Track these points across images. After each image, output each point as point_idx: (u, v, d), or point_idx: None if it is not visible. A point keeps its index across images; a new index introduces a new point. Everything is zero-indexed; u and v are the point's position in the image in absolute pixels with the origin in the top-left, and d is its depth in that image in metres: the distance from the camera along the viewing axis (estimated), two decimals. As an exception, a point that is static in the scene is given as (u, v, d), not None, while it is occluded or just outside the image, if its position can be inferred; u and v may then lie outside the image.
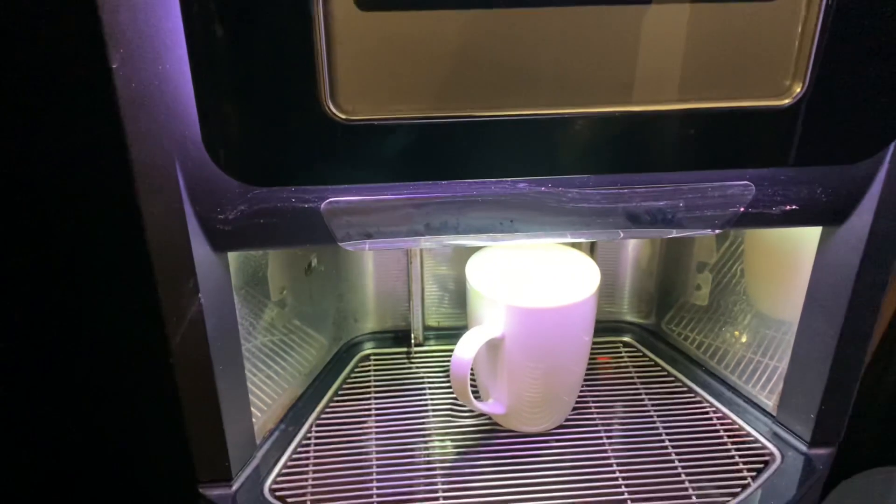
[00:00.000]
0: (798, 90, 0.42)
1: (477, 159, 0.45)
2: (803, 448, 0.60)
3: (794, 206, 0.50)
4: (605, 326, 0.75)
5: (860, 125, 0.44)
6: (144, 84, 0.42)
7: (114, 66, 0.41)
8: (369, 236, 0.49)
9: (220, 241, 0.48)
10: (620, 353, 0.73)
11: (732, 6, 0.42)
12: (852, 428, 0.99)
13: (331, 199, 0.47)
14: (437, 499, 0.56)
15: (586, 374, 0.66)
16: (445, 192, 0.47)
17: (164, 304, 0.49)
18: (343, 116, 0.41)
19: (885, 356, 1.03)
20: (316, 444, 0.61)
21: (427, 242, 0.51)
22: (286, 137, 0.42)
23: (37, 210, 0.61)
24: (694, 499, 0.56)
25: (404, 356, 0.72)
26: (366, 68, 0.41)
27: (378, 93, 0.41)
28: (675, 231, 0.51)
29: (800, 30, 0.41)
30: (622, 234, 0.51)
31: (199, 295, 0.49)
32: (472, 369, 0.56)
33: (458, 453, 0.61)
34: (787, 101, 0.43)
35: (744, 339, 0.67)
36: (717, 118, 0.44)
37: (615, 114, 0.44)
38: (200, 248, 0.48)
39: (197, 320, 0.50)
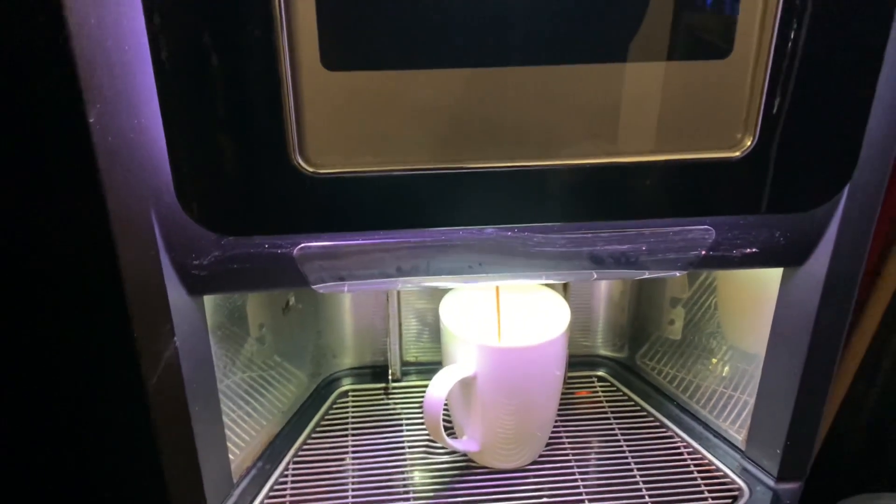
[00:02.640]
0: (749, 142, 0.44)
1: (444, 210, 0.46)
2: (771, 483, 0.61)
3: (753, 249, 0.51)
4: (580, 360, 0.76)
5: (811, 174, 0.46)
6: (120, 137, 0.43)
7: (91, 121, 0.43)
8: (342, 279, 0.50)
9: (196, 286, 0.50)
10: (595, 387, 0.74)
11: (687, 64, 0.43)
12: (831, 457, 1.00)
13: (303, 245, 0.48)
14: (411, 536, 0.57)
15: (560, 409, 0.67)
16: (415, 237, 0.49)
17: (141, 348, 0.50)
18: (311, 170, 0.43)
19: (862, 387, 1.04)
20: (293, 482, 0.62)
21: (399, 285, 0.52)
22: (256, 190, 0.44)
23: (17, 257, 0.62)
24: (663, 534, 0.57)
25: (382, 392, 0.73)
26: (333, 123, 0.42)
27: (345, 147, 0.43)
28: (640, 273, 0.53)
29: (749, 85, 0.43)
30: (595, 276, 0.53)
31: (175, 338, 0.50)
32: (446, 406, 0.57)
33: (434, 490, 0.62)
34: (739, 153, 0.45)
35: (716, 374, 0.68)
36: (675, 170, 0.46)
37: (578, 166, 0.46)
38: (176, 293, 0.49)
39: (173, 363, 0.51)
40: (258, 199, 0.44)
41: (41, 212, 0.58)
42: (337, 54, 0.40)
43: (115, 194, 0.45)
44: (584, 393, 0.73)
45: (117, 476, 0.74)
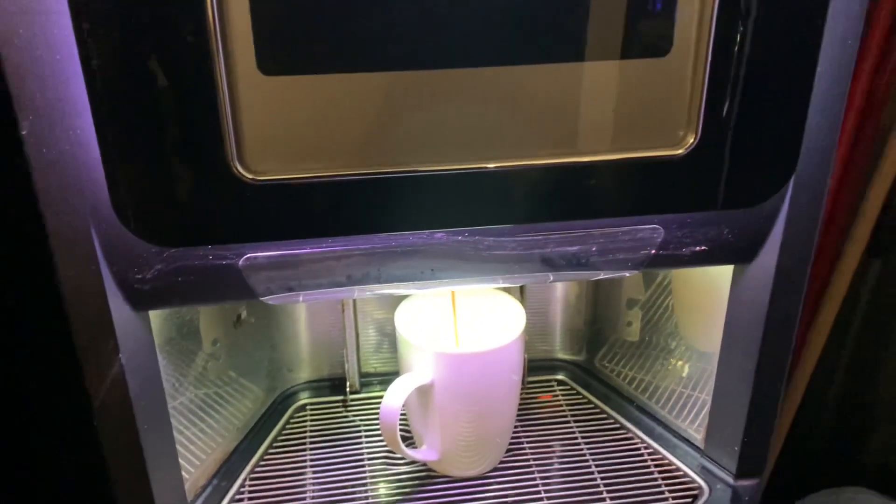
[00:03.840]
0: (692, 140, 0.45)
1: (389, 214, 0.46)
2: (730, 480, 0.62)
3: (703, 247, 0.52)
4: (539, 365, 0.76)
5: (755, 170, 0.47)
6: (55, 150, 0.42)
7: (23, 133, 0.42)
8: (291, 290, 0.50)
9: (140, 301, 0.48)
10: (554, 390, 0.74)
11: (629, 63, 0.44)
12: (795, 454, 1.01)
13: (248, 256, 0.47)
14: (371, 549, 0.56)
15: (520, 414, 0.67)
16: (364, 244, 0.48)
17: (85, 366, 0.49)
18: (251, 177, 0.42)
19: (822, 385, 1.06)
20: (250, 499, 0.61)
21: (352, 293, 0.51)
22: (195, 200, 0.43)
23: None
24: (624, 536, 0.57)
25: (340, 405, 0.72)
26: (272, 129, 0.42)
27: (286, 153, 0.42)
28: (593, 273, 0.53)
29: (690, 83, 0.44)
30: (551, 278, 0.52)
31: (120, 355, 0.49)
32: (405, 416, 0.56)
33: (394, 501, 0.61)
34: (681, 151, 0.45)
35: (675, 374, 0.69)
36: (621, 168, 0.46)
37: (523, 167, 0.46)
38: (119, 309, 0.48)
39: (118, 380, 0.49)
40: (198, 209, 0.43)
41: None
42: (273, 58, 0.40)
43: (53, 209, 0.44)
44: (546, 397, 0.73)
45: (67, 497, 0.72)
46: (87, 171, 0.43)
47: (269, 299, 0.49)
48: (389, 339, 0.74)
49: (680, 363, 0.68)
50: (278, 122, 0.41)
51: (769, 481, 0.98)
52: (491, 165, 0.45)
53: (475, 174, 0.45)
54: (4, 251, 0.58)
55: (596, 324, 0.76)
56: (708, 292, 0.62)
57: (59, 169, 0.43)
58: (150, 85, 0.40)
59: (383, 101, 0.42)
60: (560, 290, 0.74)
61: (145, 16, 0.38)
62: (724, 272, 0.57)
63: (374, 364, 0.75)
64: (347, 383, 0.72)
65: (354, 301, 0.69)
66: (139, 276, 0.47)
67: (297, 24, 0.39)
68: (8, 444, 0.69)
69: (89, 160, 0.42)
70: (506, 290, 0.66)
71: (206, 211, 0.43)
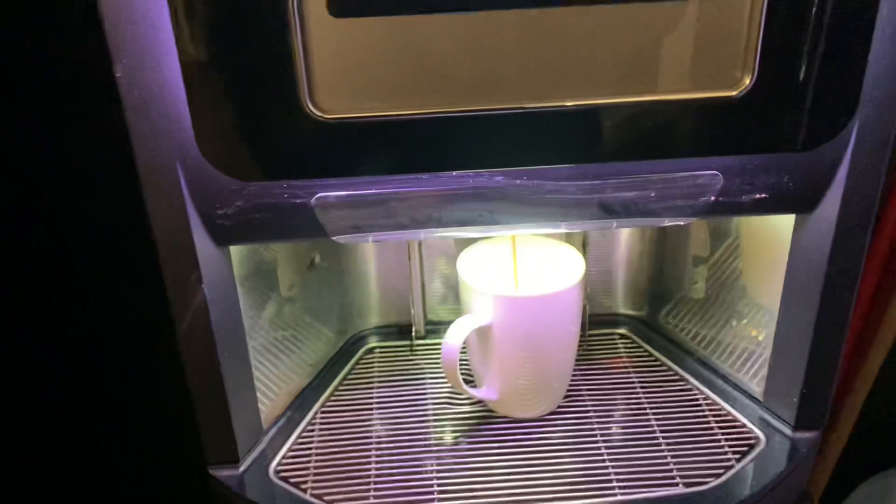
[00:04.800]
0: (748, 81, 0.45)
1: (452, 153, 0.48)
2: (788, 432, 0.62)
3: (763, 195, 0.52)
4: (601, 319, 0.77)
5: (813, 112, 0.47)
6: (146, 91, 0.46)
7: (118, 76, 0.45)
8: (358, 229, 0.52)
9: (221, 236, 0.52)
10: (616, 344, 0.75)
11: (683, 2, 0.44)
12: (871, 427, 0.98)
13: (320, 195, 0.50)
14: (430, 481, 0.59)
15: (581, 364, 0.69)
16: (427, 186, 0.51)
17: (170, 296, 0.53)
18: (321, 115, 0.45)
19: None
20: (320, 430, 0.65)
21: (418, 235, 0.54)
22: (270, 137, 0.46)
23: (47, 210, 0.65)
24: (678, 479, 0.59)
25: (407, 349, 0.75)
26: (342, 70, 0.44)
27: (355, 92, 0.45)
28: (653, 220, 0.53)
29: (746, 21, 0.44)
30: (615, 224, 0.54)
31: (203, 286, 0.53)
32: (466, 359, 0.59)
33: (454, 438, 0.64)
34: (737, 92, 0.45)
35: (739, 330, 0.69)
36: (675, 110, 0.47)
37: (581, 107, 0.47)
38: (202, 243, 0.52)
39: (201, 310, 0.53)
40: (273, 146, 0.46)
41: (71, 167, 0.61)
42: (342, 1, 0.42)
43: (142, 148, 0.48)
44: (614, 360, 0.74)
45: (153, 421, 0.77)
46: (173, 111, 0.46)
47: (337, 238, 0.52)
48: (454, 291, 0.76)
49: (745, 320, 0.68)
50: (347, 63, 0.44)
51: (842, 454, 0.97)
52: (552, 105, 0.46)
53: (537, 114, 0.46)
54: (98, 187, 0.62)
55: (660, 280, 0.76)
56: (772, 245, 0.62)
57: (149, 110, 0.46)
58: (228, 30, 0.43)
59: (449, 42, 0.44)
60: (623, 246, 0.75)
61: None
62: (788, 224, 0.57)
63: (439, 313, 0.77)
64: (413, 329, 0.75)
65: (420, 251, 0.72)
66: (221, 212, 0.50)
67: (365, -33, 0.42)
68: (94, 370, 0.74)
69: (176, 101, 0.46)
70: (568, 242, 0.67)
71: (280, 147, 0.47)
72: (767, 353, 0.64)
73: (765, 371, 0.65)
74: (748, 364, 0.67)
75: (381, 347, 0.75)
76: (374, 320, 0.77)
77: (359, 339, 0.76)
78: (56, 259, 0.68)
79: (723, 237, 0.69)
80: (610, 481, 0.58)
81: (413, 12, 0.43)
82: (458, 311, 0.77)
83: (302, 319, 0.70)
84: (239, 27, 0.43)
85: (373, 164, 0.48)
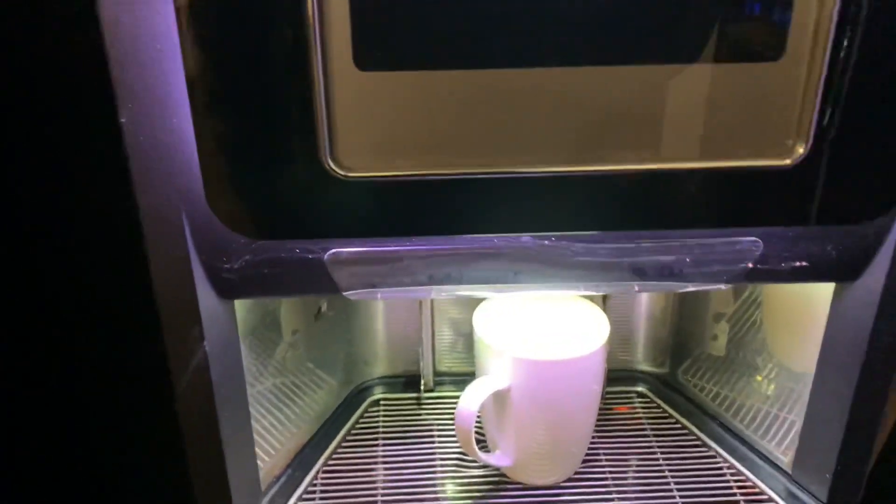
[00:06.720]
0: (801, 150, 0.42)
1: (478, 216, 0.45)
2: (819, 509, 0.59)
3: (803, 263, 0.49)
4: (619, 375, 0.74)
5: (866, 186, 0.44)
6: (153, 138, 0.43)
7: (122, 121, 0.42)
8: (373, 286, 0.49)
9: (226, 290, 0.49)
10: (634, 403, 0.72)
11: (737, 67, 0.41)
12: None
13: (334, 250, 0.47)
14: (440, 551, 0.56)
15: (598, 425, 0.65)
16: (449, 244, 0.47)
17: (170, 352, 0.50)
18: (342, 173, 0.42)
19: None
20: (322, 492, 0.61)
21: (432, 293, 0.51)
22: (287, 194, 0.43)
23: (47, 257, 0.62)
24: (703, 559, 0.55)
25: (414, 402, 0.72)
26: (365, 126, 0.41)
27: (378, 150, 0.42)
28: (683, 285, 0.51)
29: (802, 89, 0.41)
30: (637, 288, 0.51)
31: (204, 342, 0.49)
32: (479, 419, 0.55)
33: (465, 504, 0.60)
34: (790, 162, 0.43)
35: (762, 392, 0.66)
36: (723, 178, 0.44)
37: (621, 172, 0.44)
38: (206, 297, 0.48)
39: (202, 367, 0.50)
40: (288, 203, 0.43)
41: (72, 212, 0.59)
42: (369, 54, 0.39)
43: (147, 196, 0.45)
44: (622, 409, 0.71)
45: (144, 481, 0.74)
46: (181, 162, 0.43)
47: (351, 294, 0.49)
48: (465, 339, 0.73)
49: (767, 381, 0.65)
50: (371, 118, 0.41)
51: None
52: (587, 169, 0.43)
53: (570, 178, 0.44)
54: (98, 236, 0.60)
55: (680, 336, 0.73)
56: (803, 308, 0.59)
57: (156, 158, 0.43)
58: (247, 78, 0.40)
59: (477, 100, 0.41)
60: (644, 300, 0.72)
61: (245, 10, 0.38)
62: (823, 289, 0.54)
63: (448, 363, 0.74)
64: (422, 381, 0.72)
65: (432, 300, 0.69)
66: (227, 266, 0.47)
67: (396, 19, 0.39)
68: (88, 426, 0.71)
69: (184, 151, 0.43)
70: (588, 298, 0.64)
71: (296, 205, 0.44)
72: (792, 419, 0.61)
73: (791, 439, 0.61)
74: (772, 430, 0.64)
75: (386, 399, 0.72)
76: (379, 369, 0.74)
77: (364, 390, 0.73)
78: (51, 309, 0.66)
79: (741, 289, 0.66)
80: (631, 559, 0.55)
81: (442, 68, 0.40)
82: (468, 359, 0.74)
83: (306, 367, 0.67)
84: (258, 76, 0.40)
85: (394, 225, 0.45)
